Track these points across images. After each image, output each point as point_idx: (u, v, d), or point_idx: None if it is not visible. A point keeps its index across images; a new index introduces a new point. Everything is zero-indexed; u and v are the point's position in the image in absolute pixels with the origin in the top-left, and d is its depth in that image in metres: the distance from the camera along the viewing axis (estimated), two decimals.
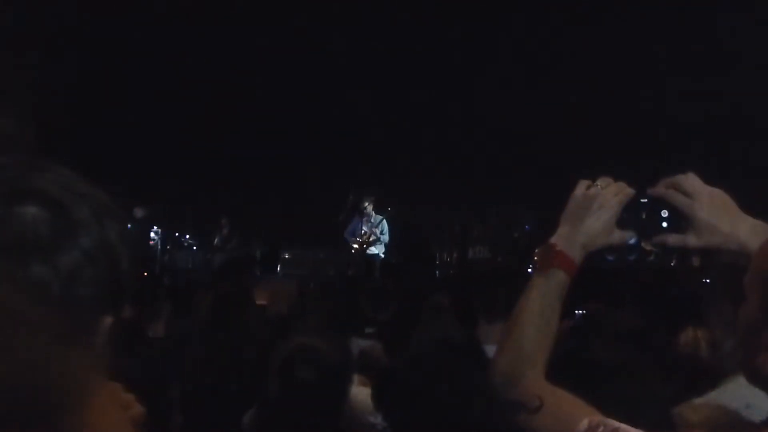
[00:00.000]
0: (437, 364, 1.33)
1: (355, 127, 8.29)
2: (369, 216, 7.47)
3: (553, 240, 1.03)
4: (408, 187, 7.78)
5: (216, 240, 7.67)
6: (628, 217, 1.00)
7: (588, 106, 7.36)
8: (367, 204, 7.44)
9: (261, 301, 3.68)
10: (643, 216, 0.99)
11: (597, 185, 1.01)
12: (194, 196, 8.13)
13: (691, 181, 0.94)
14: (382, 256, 7.45)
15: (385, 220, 7.46)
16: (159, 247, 7.62)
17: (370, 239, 7.37)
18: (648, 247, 0.99)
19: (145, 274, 5.26)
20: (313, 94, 8.17)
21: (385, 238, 7.50)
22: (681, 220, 0.95)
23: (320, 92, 8.15)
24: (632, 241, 0.99)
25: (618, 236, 1.00)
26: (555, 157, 7.08)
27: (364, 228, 7.43)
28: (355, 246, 7.43)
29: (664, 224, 0.96)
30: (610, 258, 1.06)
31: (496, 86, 7.85)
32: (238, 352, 1.98)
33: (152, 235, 7.65)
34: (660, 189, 0.97)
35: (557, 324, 1.00)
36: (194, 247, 8.11)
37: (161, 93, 7.90)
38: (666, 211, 0.96)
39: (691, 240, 0.93)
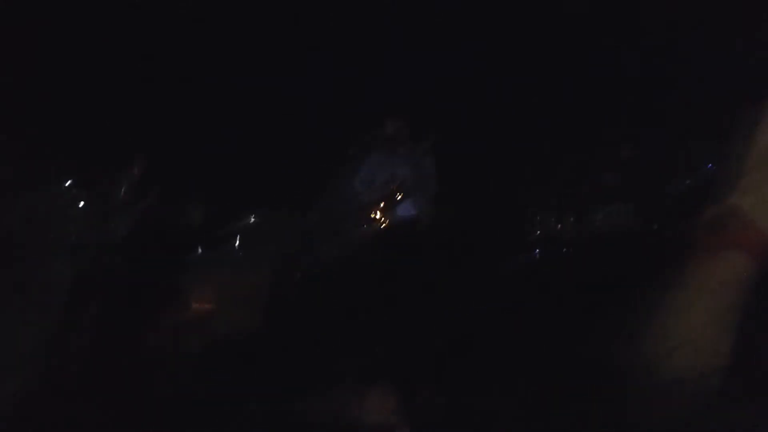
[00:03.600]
0: None
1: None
2: (399, 149, 5.27)
3: (737, 199, 0.76)
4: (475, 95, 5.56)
5: (121, 191, 5.49)
6: None
7: None
8: (395, 129, 5.24)
9: (199, 304, 2.74)
10: None
11: None
12: (80, 115, 5.84)
13: None
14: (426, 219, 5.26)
15: (428, 155, 5.24)
16: None
17: (402, 189, 5.14)
18: None
19: None
20: None
21: (431, 185, 5.12)
22: None
23: None
24: None
25: None
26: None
27: (393, 170, 5.16)
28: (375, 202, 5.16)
29: None
30: None
31: None
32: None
33: None
34: None
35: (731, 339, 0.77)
36: (81, 203, 5.65)
37: None
38: None
39: None
